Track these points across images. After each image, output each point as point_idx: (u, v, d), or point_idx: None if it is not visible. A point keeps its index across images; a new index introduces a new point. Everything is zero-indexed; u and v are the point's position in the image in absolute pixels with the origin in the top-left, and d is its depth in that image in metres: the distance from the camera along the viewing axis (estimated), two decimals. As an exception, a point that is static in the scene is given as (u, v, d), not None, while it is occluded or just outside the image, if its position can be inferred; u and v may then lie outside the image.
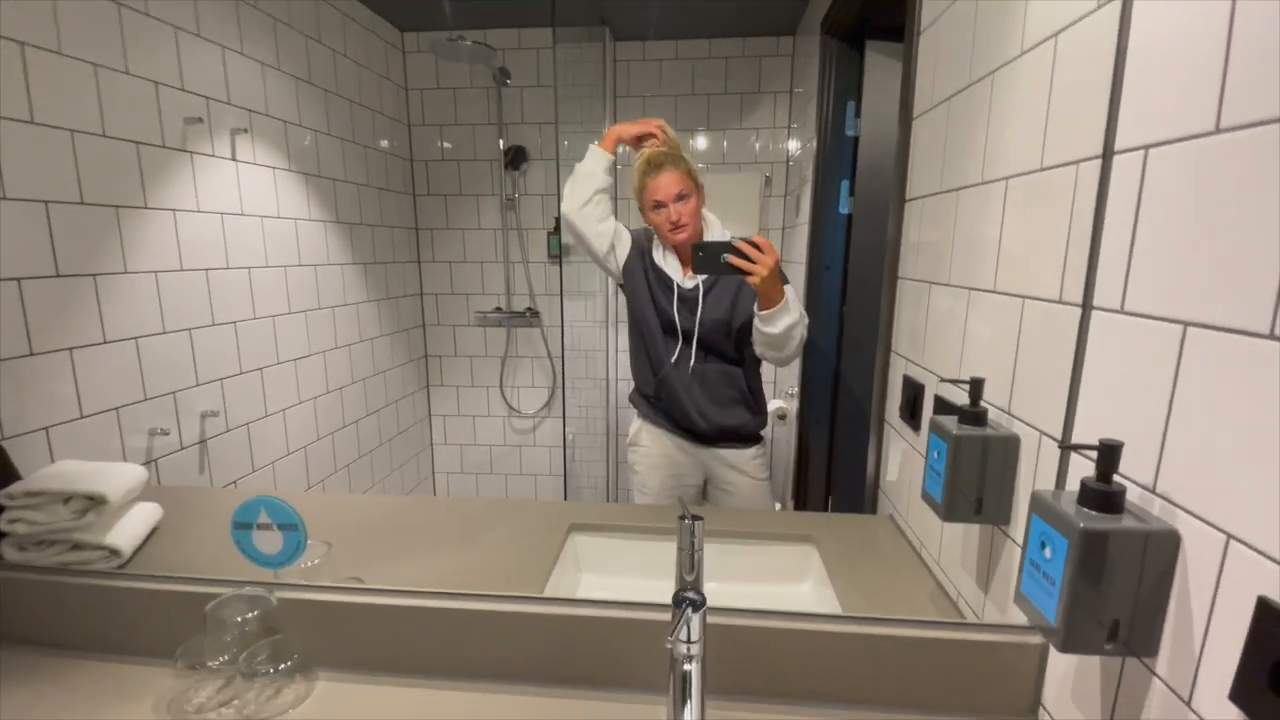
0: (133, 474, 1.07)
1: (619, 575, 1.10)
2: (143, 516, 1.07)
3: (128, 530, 1.02)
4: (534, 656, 0.74)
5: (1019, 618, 0.68)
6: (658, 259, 1.48)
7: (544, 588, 0.93)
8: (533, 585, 0.91)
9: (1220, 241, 0.45)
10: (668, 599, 0.71)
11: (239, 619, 0.70)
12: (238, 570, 0.79)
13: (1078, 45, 0.62)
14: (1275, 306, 0.40)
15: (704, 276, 1.41)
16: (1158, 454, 0.50)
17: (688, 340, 1.45)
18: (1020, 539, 0.69)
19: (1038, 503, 0.53)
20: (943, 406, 0.89)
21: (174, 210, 1.45)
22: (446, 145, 2.65)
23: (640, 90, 2.64)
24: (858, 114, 1.84)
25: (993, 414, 0.74)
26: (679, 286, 1.44)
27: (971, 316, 0.83)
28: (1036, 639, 0.66)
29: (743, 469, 1.51)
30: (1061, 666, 0.64)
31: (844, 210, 1.90)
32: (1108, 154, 0.56)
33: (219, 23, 1.57)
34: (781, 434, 2.44)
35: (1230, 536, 0.43)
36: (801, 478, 2.15)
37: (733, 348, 1.45)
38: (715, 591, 0.91)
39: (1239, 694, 0.41)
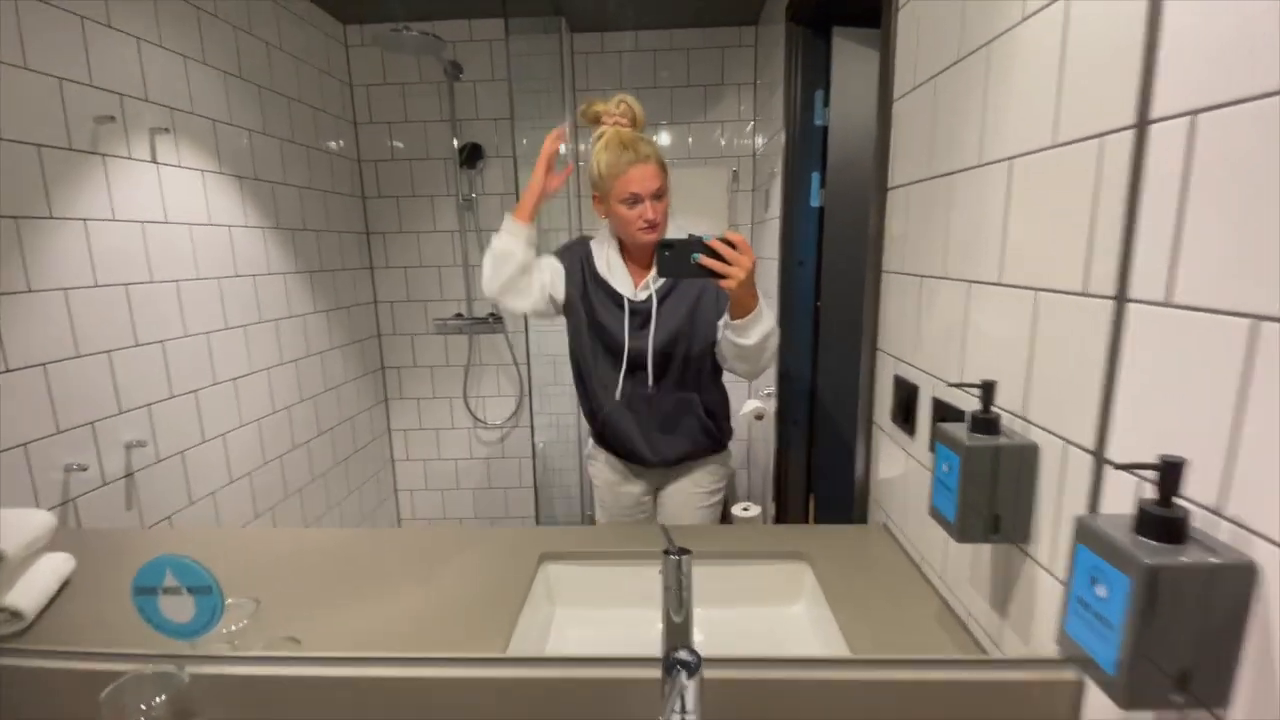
0: (36, 522, 0.93)
1: (596, 607, 1.00)
2: (50, 570, 0.93)
3: (31, 589, 0.89)
4: (503, 722, 0.64)
5: (1044, 647, 0.61)
6: (601, 269, 1.29)
7: (514, 629, 0.83)
8: (501, 627, 0.81)
9: (1301, 220, 0.37)
10: (650, 634, 0.62)
11: (143, 706, 0.58)
12: (152, 640, 0.67)
13: (1097, 3, 0.55)
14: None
15: (657, 286, 1.25)
16: (1223, 470, 0.43)
17: (637, 364, 1.28)
18: (1046, 560, 0.62)
19: (1086, 532, 0.45)
20: (943, 410, 0.82)
21: (85, 220, 1.30)
22: (397, 144, 2.51)
23: (600, 83, 2.54)
24: (826, 103, 1.77)
25: (1005, 420, 0.67)
26: (629, 301, 1.27)
27: (973, 312, 0.76)
28: (1070, 675, 0.59)
29: (691, 477, 1.39)
30: (1101, 707, 0.57)
31: (816, 203, 1.83)
32: (1142, 123, 0.49)
33: (132, 12, 1.42)
34: (760, 433, 2.38)
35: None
36: (781, 479, 2.08)
37: (691, 367, 1.29)
38: (701, 619, 0.81)
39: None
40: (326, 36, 2.29)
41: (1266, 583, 0.40)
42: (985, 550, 0.73)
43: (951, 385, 0.72)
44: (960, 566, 0.79)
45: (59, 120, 1.24)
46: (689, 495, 1.39)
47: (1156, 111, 0.48)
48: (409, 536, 1.06)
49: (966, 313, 0.77)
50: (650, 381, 1.28)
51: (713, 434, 1.37)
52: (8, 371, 1.14)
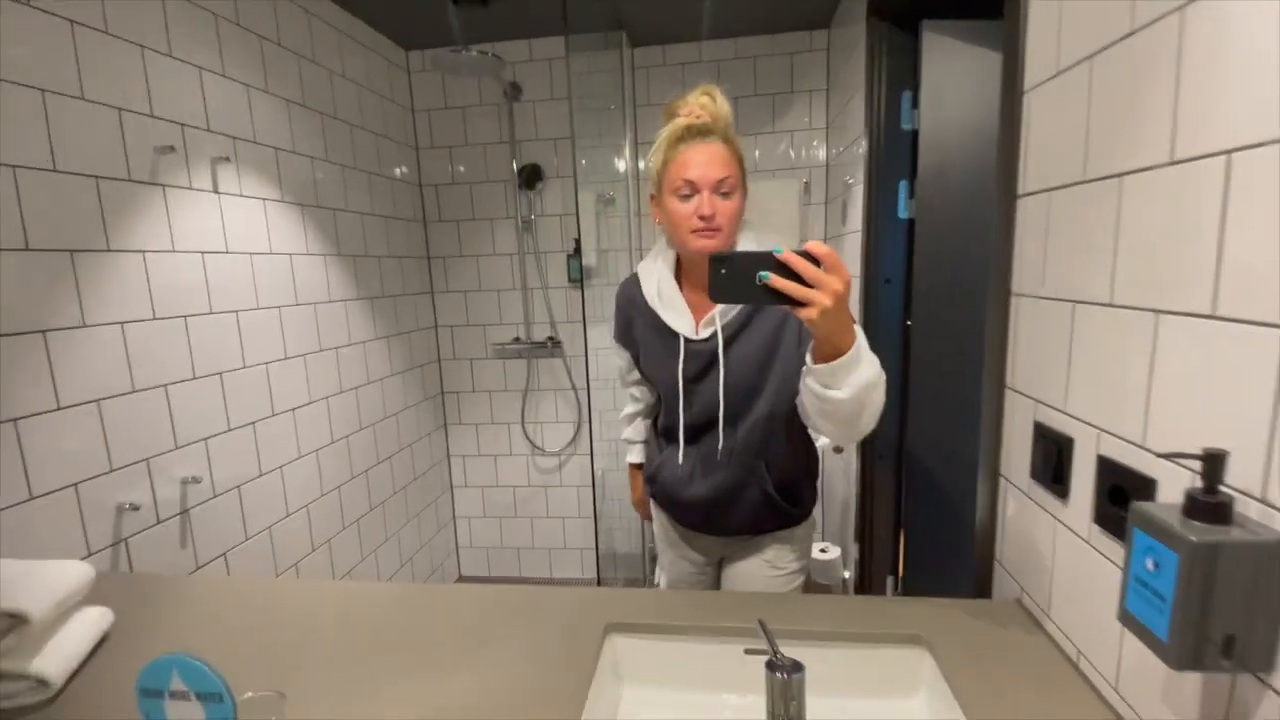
0: (71, 575, 0.88)
1: (670, 688, 0.86)
2: (83, 630, 0.87)
3: (59, 652, 0.82)
4: None
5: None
6: (650, 297, 1.03)
7: (581, 712, 0.70)
8: (567, 710, 0.69)
9: None
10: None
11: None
12: None
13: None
14: None
15: (725, 319, 0.97)
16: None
17: (698, 413, 1.03)
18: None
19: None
20: (1115, 474, 0.64)
21: (143, 251, 1.28)
22: (460, 169, 2.48)
23: (661, 98, 2.44)
24: (915, 105, 1.60)
25: (1240, 502, 0.49)
26: (686, 341, 1.01)
27: (1162, 351, 0.58)
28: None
29: (763, 554, 1.12)
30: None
31: (904, 215, 1.65)
32: None
33: (194, 42, 1.41)
34: (838, 465, 2.18)
35: None
36: (866, 518, 1.89)
37: (767, 421, 1.01)
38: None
39: None
40: (389, 63, 2.29)
41: None
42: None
43: (1165, 455, 0.54)
44: (1150, 678, 0.60)
45: (118, 151, 1.23)
46: (756, 575, 1.13)
47: None
48: (463, 599, 0.95)
49: (1154, 351, 0.59)
50: (720, 438, 1.03)
51: (785, 509, 1.09)
52: (59, 409, 1.11)
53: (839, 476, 2.18)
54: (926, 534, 1.76)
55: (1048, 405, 0.78)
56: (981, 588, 0.96)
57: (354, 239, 2.01)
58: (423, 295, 2.49)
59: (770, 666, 0.50)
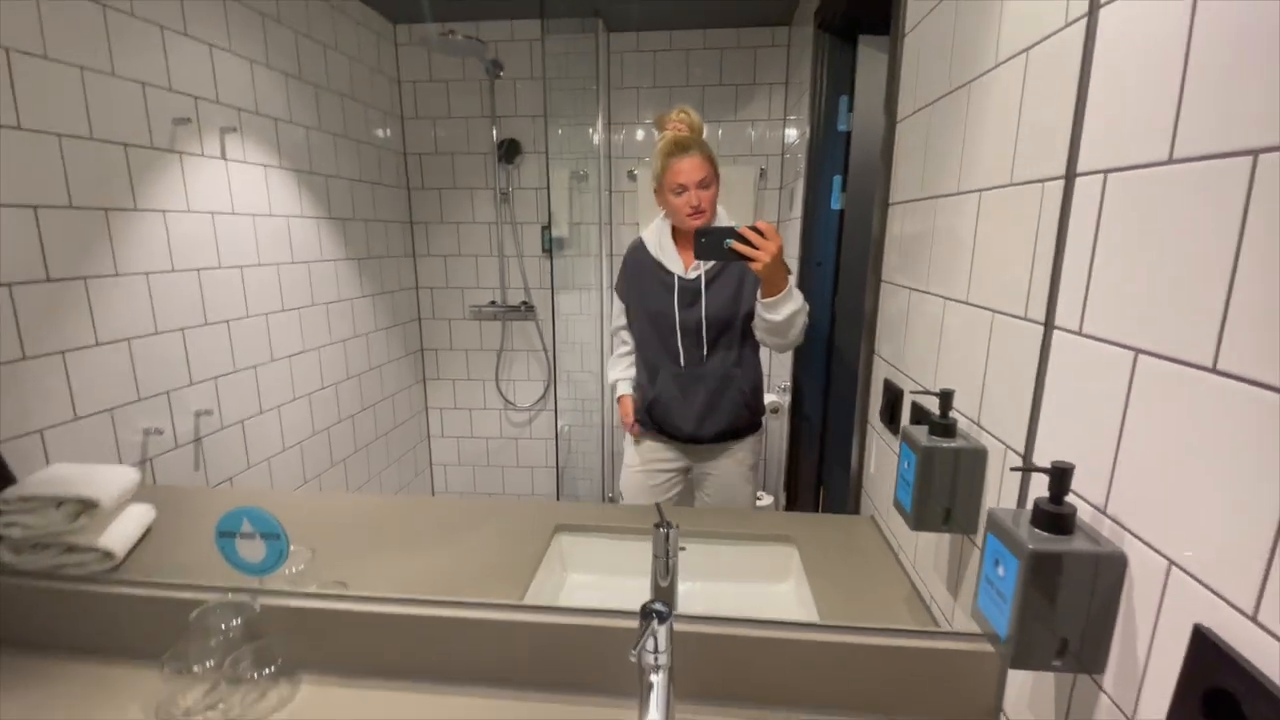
0: (125, 477, 1.09)
1: (604, 573, 1.12)
2: (135, 519, 1.09)
3: (121, 533, 1.04)
4: (513, 662, 0.76)
5: (985, 626, 0.70)
6: (654, 250, 1.47)
7: (527, 588, 0.95)
8: (516, 586, 0.93)
9: (1169, 273, 0.45)
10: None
11: (223, 625, 0.71)
12: (224, 575, 0.80)
13: (1046, 63, 0.62)
14: (1218, 341, 0.41)
15: (706, 268, 1.41)
16: (1109, 476, 0.51)
17: (690, 338, 1.44)
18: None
19: (993, 522, 0.54)
20: (918, 413, 0.90)
21: (164, 211, 1.46)
22: (442, 140, 2.64)
23: (635, 81, 2.62)
24: (850, 108, 1.82)
25: (963, 424, 0.75)
26: (680, 279, 1.43)
27: (947, 326, 0.83)
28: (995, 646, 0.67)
29: (733, 455, 1.52)
30: (1021, 674, 0.65)
31: (836, 206, 1.89)
32: (1070, 175, 0.57)
33: (206, 21, 1.57)
34: (775, 428, 2.46)
35: (1171, 562, 0.44)
36: (793, 472, 2.17)
37: (737, 342, 1.44)
38: (696, 591, 0.92)
39: (1174, 718, 0.43)
40: (377, 36, 2.43)
41: (1134, 573, 0.49)
42: (945, 539, 0.81)
43: (919, 392, 0.80)
44: (927, 554, 0.87)
45: (142, 121, 1.40)
46: (733, 472, 1.53)
47: (1082, 166, 0.56)
48: (440, 505, 1.19)
49: (942, 325, 0.85)
50: (704, 354, 1.43)
51: (753, 408, 1.51)
52: (98, 345, 1.30)
53: (777, 437, 2.46)
54: (841, 483, 2.04)
55: (892, 365, 1.04)
56: (854, 510, 1.23)
57: (344, 203, 2.18)
58: (405, 258, 2.68)
59: (655, 526, 0.75)
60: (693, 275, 1.42)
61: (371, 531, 1.09)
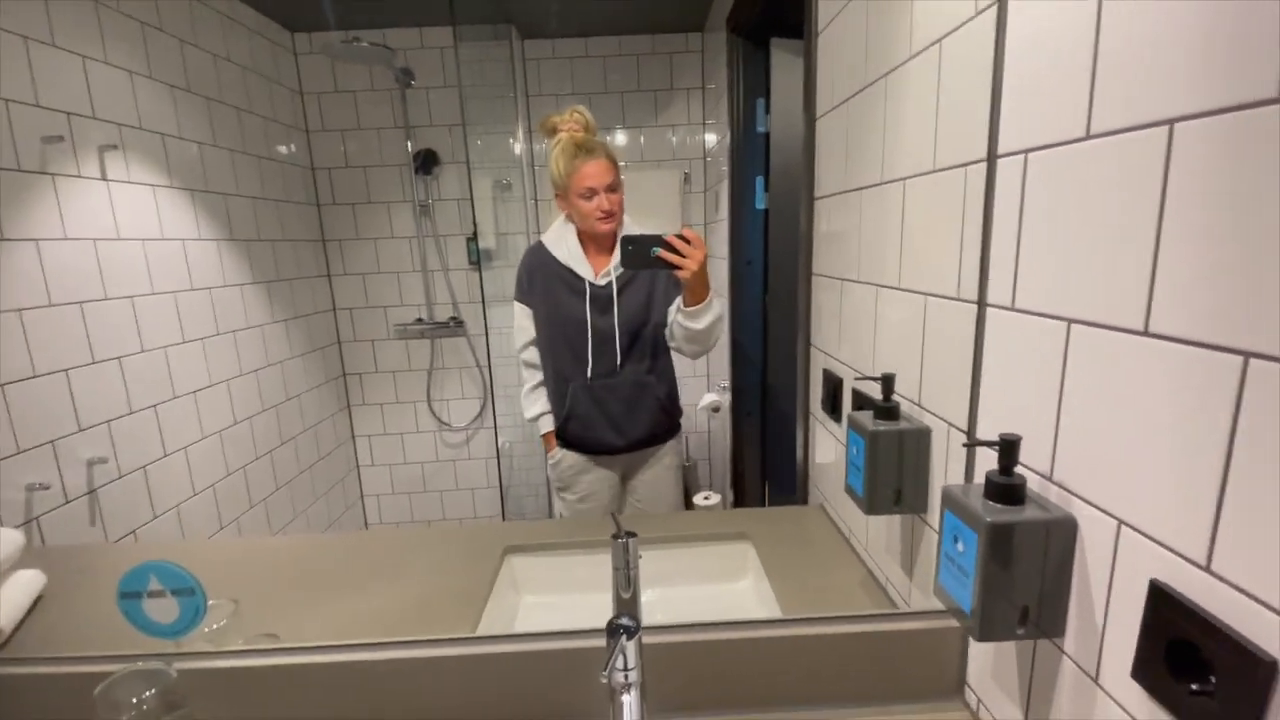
0: (6, 541, 0.96)
1: (560, 593, 1.08)
2: (23, 587, 0.96)
3: (6, 605, 0.92)
4: (472, 699, 0.71)
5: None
6: (562, 258, 1.39)
7: (480, 617, 0.90)
8: (469, 616, 0.88)
9: (1097, 243, 0.47)
10: (608, 616, 0.70)
11: (134, 699, 0.63)
12: (134, 642, 0.71)
13: (960, 50, 0.64)
14: (1147, 305, 0.43)
15: (618, 274, 1.37)
16: (1053, 444, 0.53)
17: (602, 347, 1.38)
18: (937, 524, 0.72)
19: (949, 498, 0.55)
20: (860, 400, 0.91)
21: (37, 240, 1.30)
22: (353, 153, 2.52)
23: (552, 88, 2.59)
24: (768, 110, 1.87)
25: (905, 407, 0.77)
26: (591, 285, 1.37)
27: (881, 313, 0.85)
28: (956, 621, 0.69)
29: (660, 460, 1.51)
30: (982, 647, 0.67)
31: (760, 206, 1.93)
32: (992, 157, 0.59)
33: (76, 30, 1.42)
34: (717, 426, 2.48)
35: (1121, 522, 0.46)
36: (739, 470, 2.19)
37: (650, 350, 1.41)
38: (657, 599, 0.90)
39: (1139, 673, 0.44)
40: (274, 45, 2.29)
41: (1085, 536, 0.50)
42: (896, 521, 0.83)
43: (859, 379, 0.81)
44: (879, 537, 0.89)
45: (6, 141, 1.25)
46: (661, 476, 1.51)
47: (1002, 148, 0.58)
48: (378, 538, 1.11)
49: (876, 313, 0.86)
50: (618, 363, 1.38)
51: (670, 412, 1.49)
52: (-36, 394, 1.15)
53: (720, 436, 2.48)
54: (785, 478, 2.08)
55: (830, 355, 1.06)
56: (802, 501, 1.25)
57: (246, 223, 2.03)
58: (319, 279, 2.53)
59: (614, 537, 0.72)
60: (604, 282, 1.37)
61: (302, 575, 1.01)
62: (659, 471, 1.51)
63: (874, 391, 0.86)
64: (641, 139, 2.62)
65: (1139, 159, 0.43)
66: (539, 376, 1.52)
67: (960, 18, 0.63)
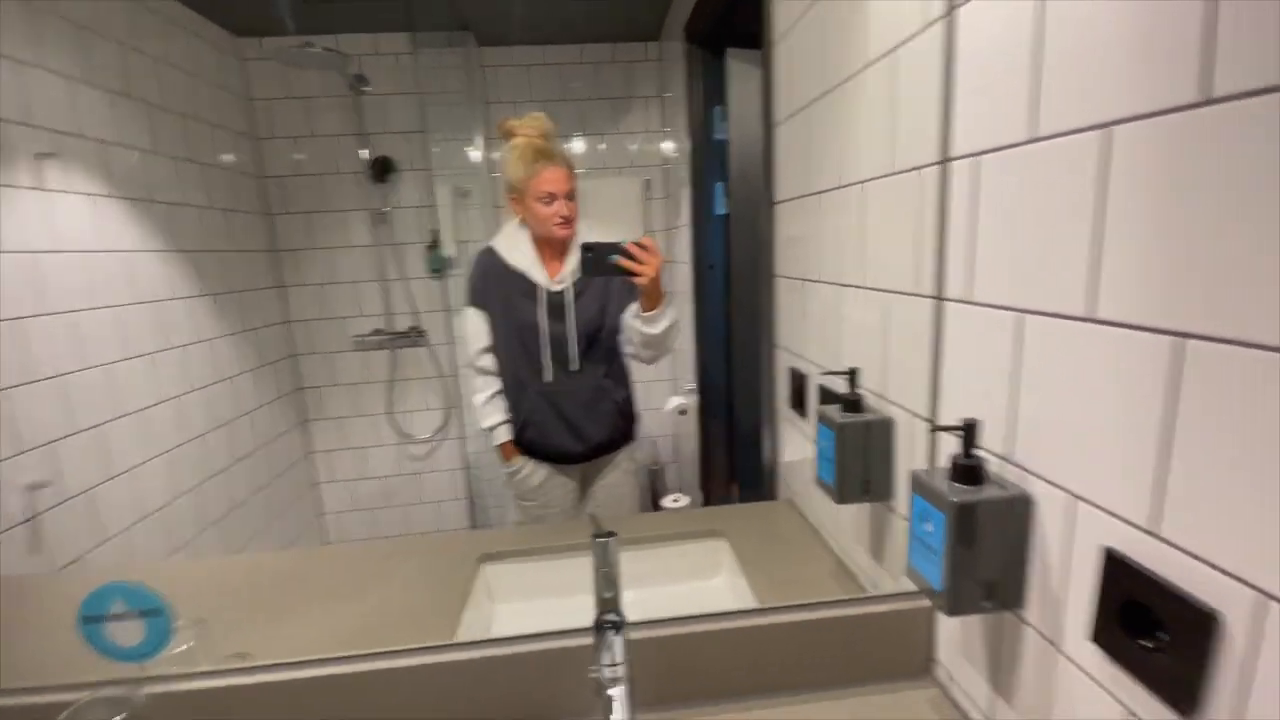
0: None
1: (537, 598, 1.07)
2: (-42, 620, 0.91)
3: (-61, 640, 0.86)
4: (456, 708, 0.71)
5: (909, 585, 0.74)
6: (515, 263, 1.39)
7: (457, 627, 0.89)
8: (446, 627, 0.87)
9: (1046, 238, 0.51)
10: (588, 617, 0.70)
11: (100, 726, 0.60)
12: (95, 668, 0.68)
13: (914, 59, 0.68)
14: (1094, 294, 0.46)
15: (574, 279, 1.37)
16: (1010, 427, 0.56)
17: (558, 350, 1.39)
18: (903, 511, 0.75)
19: (916, 482, 0.58)
20: (826, 395, 0.94)
21: (-34, 253, 1.23)
22: (299, 158, 2.45)
23: (511, 95, 2.58)
24: (725, 118, 1.91)
25: (870, 399, 0.80)
26: (546, 291, 1.37)
27: (844, 311, 0.89)
28: (926, 602, 0.72)
29: (618, 465, 1.52)
30: (950, 623, 0.70)
31: (721, 211, 1.97)
32: (945, 160, 0.62)
33: (8, 33, 1.35)
34: (685, 428, 2.50)
35: (1076, 496, 0.49)
36: (707, 468, 2.21)
37: (606, 355, 1.41)
38: (635, 599, 0.91)
39: (1097, 635, 0.47)
40: (220, 51, 2.22)
41: (1042, 510, 0.54)
42: (865, 511, 0.86)
43: (825, 374, 0.85)
44: (847, 528, 0.92)
45: (-69, 149, 1.18)
46: (620, 481, 1.51)
47: (955, 150, 0.61)
48: (350, 552, 1.09)
49: (839, 311, 0.90)
50: (575, 368, 1.39)
51: (628, 416, 1.50)
52: (-111, 418, 1.07)
53: (687, 439, 2.51)
54: (754, 476, 2.11)
55: (795, 354, 1.09)
56: (770, 497, 1.28)
57: (192, 234, 1.96)
58: (271, 290, 2.45)
59: (594, 537, 0.73)
60: (558, 288, 1.37)
61: (271, 592, 0.98)
62: (618, 477, 1.51)
63: (839, 386, 0.90)
64: (601, 146, 2.63)
65: (1081, 159, 0.46)
66: (496, 385, 1.48)
67: (913, 29, 0.66)
